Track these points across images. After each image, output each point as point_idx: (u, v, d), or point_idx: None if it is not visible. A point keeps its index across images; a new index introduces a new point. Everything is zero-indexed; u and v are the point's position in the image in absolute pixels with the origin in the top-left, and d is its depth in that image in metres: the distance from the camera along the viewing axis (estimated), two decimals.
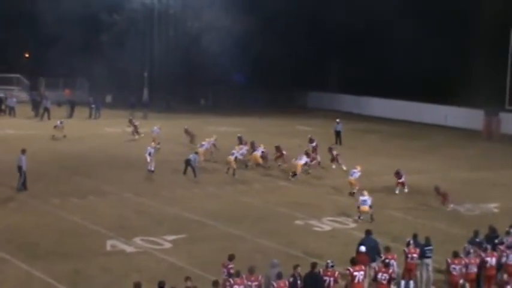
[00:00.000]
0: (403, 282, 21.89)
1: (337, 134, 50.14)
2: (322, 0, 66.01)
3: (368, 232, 22.96)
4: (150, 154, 37.77)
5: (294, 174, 37.97)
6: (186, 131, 47.81)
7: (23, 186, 33.08)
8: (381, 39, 64.47)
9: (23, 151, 33.72)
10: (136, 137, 48.48)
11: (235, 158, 38.72)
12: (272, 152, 41.65)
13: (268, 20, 64.43)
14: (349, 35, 67.74)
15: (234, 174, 37.74)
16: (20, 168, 33.22)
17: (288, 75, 68.39)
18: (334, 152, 41.49)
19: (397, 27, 60.91)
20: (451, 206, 32.29)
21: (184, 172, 36.81)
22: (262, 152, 40.79)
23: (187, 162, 36.93)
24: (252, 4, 62.60)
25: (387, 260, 20.94)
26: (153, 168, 37.71)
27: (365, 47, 66.83)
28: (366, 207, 29.89)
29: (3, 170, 37.04)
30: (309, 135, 44.66)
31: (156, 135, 45.50)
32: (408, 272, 21.95)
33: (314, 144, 42.94)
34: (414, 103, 65.84)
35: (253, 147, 41.88)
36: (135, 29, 57.37)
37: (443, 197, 32.68)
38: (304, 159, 39.00)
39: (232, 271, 19.40)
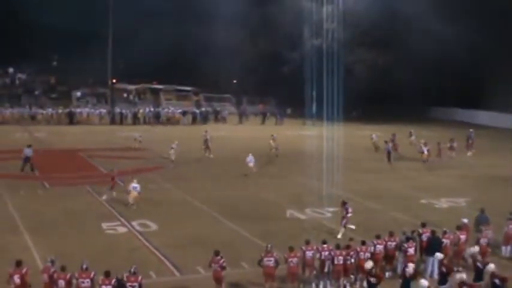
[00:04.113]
0: (503, 248, 20.43)
1: (468, 138, 43.90)
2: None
3: (482, 210, 21.47)
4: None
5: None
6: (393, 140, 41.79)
7: (22, 170, 31.84)
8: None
9: (29, 146, 33.04)
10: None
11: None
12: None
13: (403, 55, 61.93)
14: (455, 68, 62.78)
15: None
16: (27, 158, 32.14)
17: (414, 94, 65.15)
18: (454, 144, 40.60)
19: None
20: None
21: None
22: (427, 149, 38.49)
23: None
24: (391, 43, 60.59)
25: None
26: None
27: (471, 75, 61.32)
28: (135, 193, 25.49)
29: (216, 161, 37.78)
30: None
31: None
32: (507, 239, 20.39)
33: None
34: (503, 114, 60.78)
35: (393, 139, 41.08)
36: (307, 61, 57.46)
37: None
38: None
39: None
